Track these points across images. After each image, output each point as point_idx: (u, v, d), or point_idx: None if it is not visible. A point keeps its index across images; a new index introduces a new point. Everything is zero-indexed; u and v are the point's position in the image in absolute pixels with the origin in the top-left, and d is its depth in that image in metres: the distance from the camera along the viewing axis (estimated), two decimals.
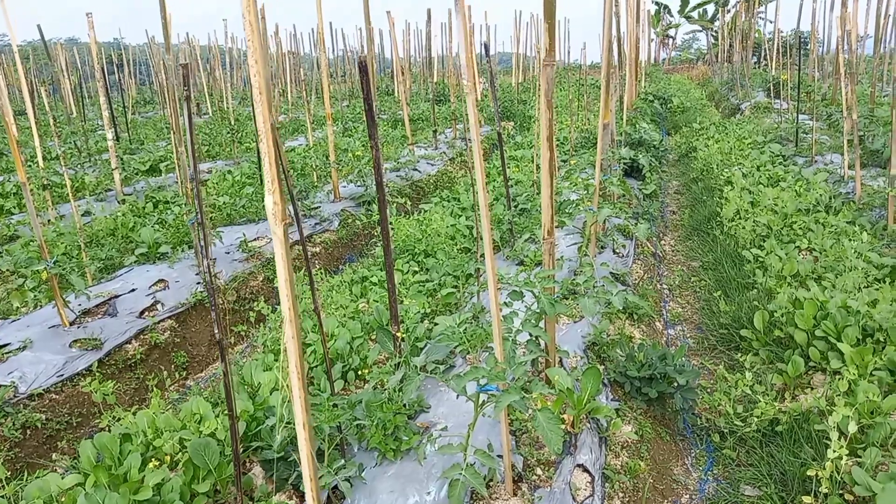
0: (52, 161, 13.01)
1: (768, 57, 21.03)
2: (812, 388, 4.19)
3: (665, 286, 6.77)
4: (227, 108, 13.76)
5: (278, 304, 5.28)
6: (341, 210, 8.54)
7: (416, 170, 11.17)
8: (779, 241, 6.32)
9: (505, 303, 3.51)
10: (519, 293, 3.37)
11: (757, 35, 31.45)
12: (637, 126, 10.11)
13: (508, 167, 10.35)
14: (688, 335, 5.72)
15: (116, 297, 5.51)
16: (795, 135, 10.96)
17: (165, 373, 5.02)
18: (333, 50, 29.09)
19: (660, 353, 3.90)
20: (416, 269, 6.02)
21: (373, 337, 4.70)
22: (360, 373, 4.22)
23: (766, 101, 16.47)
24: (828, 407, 3.55)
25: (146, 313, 5.39)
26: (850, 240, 6.06)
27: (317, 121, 17.65)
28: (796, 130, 10.97)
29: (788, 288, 5.24)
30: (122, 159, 10.36)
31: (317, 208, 8.27)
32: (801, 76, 11.82)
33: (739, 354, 5.04)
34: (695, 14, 47.18)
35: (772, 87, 16.77)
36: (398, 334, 3.43)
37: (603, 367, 4.07)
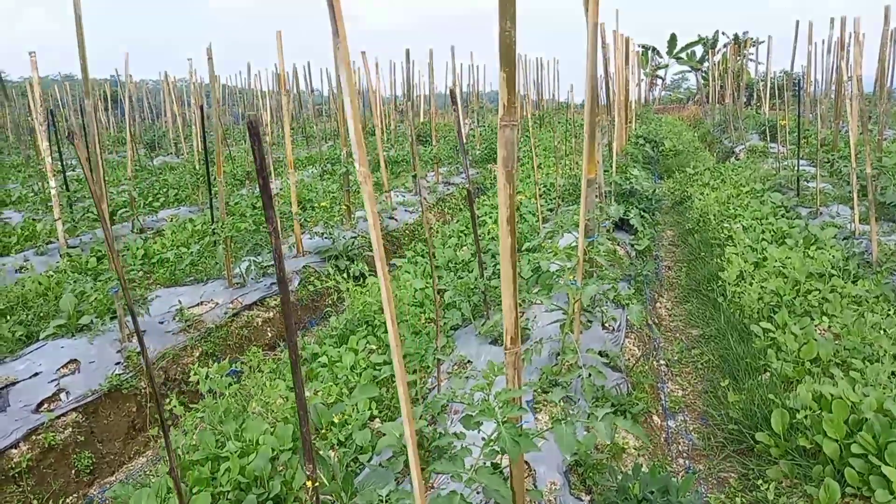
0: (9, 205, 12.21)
1: (761, 97, 20.61)
2: None
3: (662, 361, 5.94)
4: (193, 149, 13.03)
5: (202, 395, 4.40)
6: (303, 267, 7.73)
7: (393, 218, 10.42)
8: (791, 314, 5.52)
9: (456, 434, 2.67)
10: (475, 422, 2.53)
11: (746, 77, 31.31)
12: (627, 174, 9.40)
13: (490, 217, 9.60)
14: (690, 428, 4.87)
15: (13, 384, 4.63)
16: (797, 183, 10.28)
17: (59, 483, 4.13)
18: (321, 87, 28.67)
19: (660, 482, 3.05)
20: (375, 345, 5.17)
21: None
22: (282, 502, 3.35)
23: (761, 145, 15.89)
24: None
25: (46, 405, 4.51)
26: (873, 313, 5.28)
27: (300, 162, 16.97)
28: (797, 179, 10.29)
29: (809, 378, 4.42)
30: (71, 207, 9.55)
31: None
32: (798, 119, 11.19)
33: (754, 460, 4.21)
34: (683, 55, 47.40)
35: (767, 130, 16.21)
36: (309, 484, 2.56)
37: (589, 498, 3.21)
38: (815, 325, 5.26)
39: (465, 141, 17.64)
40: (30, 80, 8.35)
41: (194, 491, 3.34)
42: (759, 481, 3.76)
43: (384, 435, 3.59)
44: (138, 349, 5.22)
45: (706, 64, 42.88)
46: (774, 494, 3.52)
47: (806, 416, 3.92)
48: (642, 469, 3.25)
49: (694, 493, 3.29)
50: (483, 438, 2.59)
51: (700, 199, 10.49)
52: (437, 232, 9.77)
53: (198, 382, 4.20)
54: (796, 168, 10.43)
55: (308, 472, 2.65)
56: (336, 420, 3.86)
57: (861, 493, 3.38)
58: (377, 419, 4.16)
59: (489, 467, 2.42)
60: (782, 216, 8.73)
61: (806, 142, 14.17)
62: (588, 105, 4.60)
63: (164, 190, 13.11)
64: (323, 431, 3.75)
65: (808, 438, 3.84)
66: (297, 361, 2.53)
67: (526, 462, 3.36)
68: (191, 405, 4.26)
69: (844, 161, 11.14)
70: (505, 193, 2.48)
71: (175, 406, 3.92)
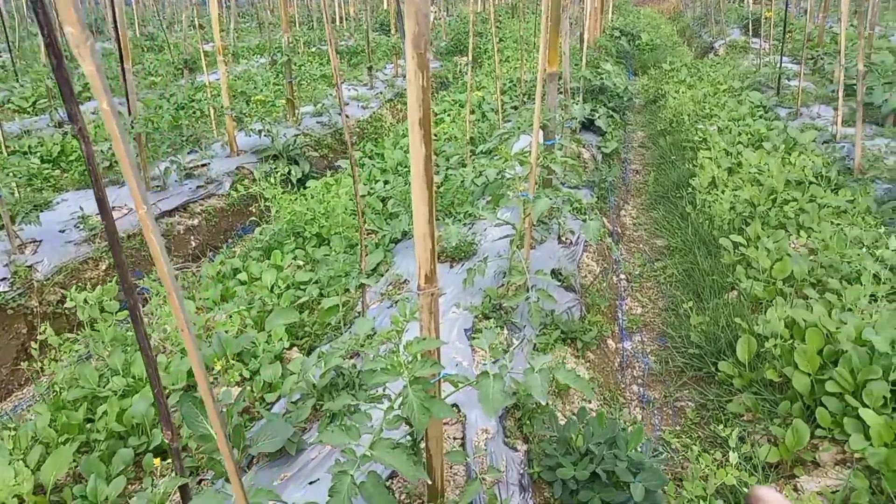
0: None
1: None
2: (820, 467, 2.99)
3: (622, 275, 5.49)
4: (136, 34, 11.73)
5: (112, 314, 3.79)
6: (237, 168, 6.98)
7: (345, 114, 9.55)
8: (765, 227, 5.05)
9: (353, 394, 2.15)
10: (376, 382, 2.00)
11: None
12: (599, 69, 8.61)
13: (447, 114, 8.84)
14: (648, 350, 4.48)
15: None
16: (777, 81, 9.62)
17: None
18: None
19: (608, 434, 2.61)
20: (303, 261, 4.59)
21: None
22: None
23: (742, 40, 15.02)
24: None
25: None
26: (853, 226, 4.83)
27: (249, 51, 15.61)
28: (778, 76, 9.61)
29: (781, 300, 3.99)
30: None
31: (203, 166, 6.68)
32: (781, 12, 10.38)
33: (714, 389, 3.83)
34: None
35: (750, 24, 15.28)
36: (157, 462, 2.03)
37: (526, 448, 2.77)
38: (791, 240, 4.81)
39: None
40: None
41: (61, 441, 2.82)
42: (720, 415, 3.39)
43: (293, 373, 3.08)
44: (28, 263, 4.57)
45: None
46: (731, 431, 3.14)
47: (775, 345, 3.50)
48: (588, 414, 2.81)
49: (646, 443, 2.88)
50: (390, 398, 2.08)
51: (675, 98, 9.80)
52: (390, 132, 9.00)
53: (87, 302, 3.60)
54: (778, 65, 9.74)
55: (168, 439, 2.12)
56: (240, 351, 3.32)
57: (833, 437, 3.01)
58: (295, 348, 3.64)
59: (390, 440, 1.90)
60: (760, 117, 8.13)
61: (790, 37, 13.36)
62: None
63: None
64: (225, 365, 3.22)
65: (776, 371, 3.44)
66: (136, 307, 1.93)
67: (455, 405, 2.89)
68: (79, 333, 3.68)
69: (829, 58, 10.46)
70: (416, 85, 1.83)
71: (50, 336, 3.34)
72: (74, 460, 2.74)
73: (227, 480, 2.53)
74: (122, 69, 6.31)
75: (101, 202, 1.73)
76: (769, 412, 3.37)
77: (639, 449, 2.56)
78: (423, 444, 2.27)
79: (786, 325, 3.64)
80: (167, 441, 2.10)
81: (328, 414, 2.28)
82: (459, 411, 2.88)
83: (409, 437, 2.25)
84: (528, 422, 2.83)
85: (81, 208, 5.18)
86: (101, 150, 6.27)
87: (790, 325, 3.65)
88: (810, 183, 5.64)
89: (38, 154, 7.37)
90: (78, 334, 3.60)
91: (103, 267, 4.94)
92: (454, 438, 2.75)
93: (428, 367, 1.99)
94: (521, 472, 2.59)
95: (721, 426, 3.40)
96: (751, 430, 3.36)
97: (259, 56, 14.11)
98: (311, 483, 2.47)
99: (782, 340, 3.54)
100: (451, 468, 2.52)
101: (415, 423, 1.87)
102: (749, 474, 2.83)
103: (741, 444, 3.16)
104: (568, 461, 2.54)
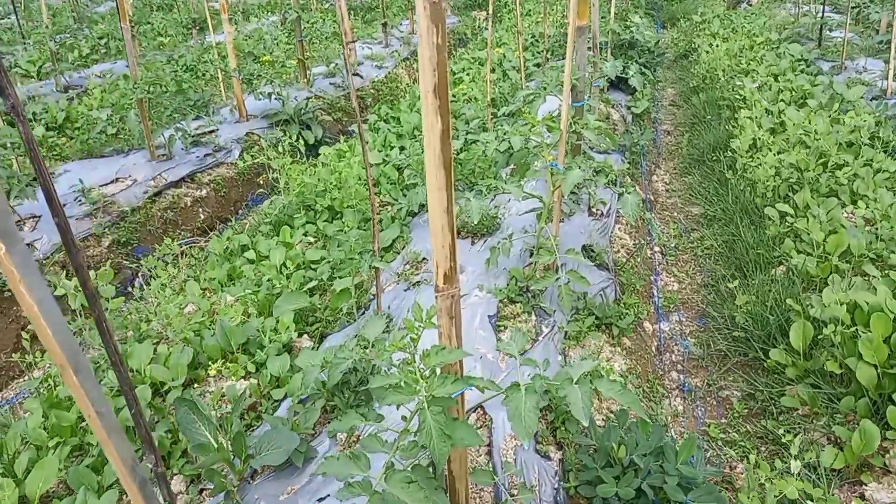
0: None
1: None
2: (891, 473, 2.66)
3: (656, 248, 5.12)
4: None
5: (127, 289, 3.52)
6: (246, 134, 6.64)
7: (358, 74, 9.14)
8: (815, 194, 4.62)
9: (362, 414, 1.85)
10: (390, 401, 1.69)
11: None
12: (627, 22, 8.07)
13: (466, 73, 8.38)
14: (687, 331, 4.14)
15: None
16: (819, 32, 8.97)
17: None
18: None
19: (654, 443, 2.30)
20: (314, 237, 4.28)
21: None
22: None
23: None
24: None
25: None
26: None
27: (260, 8, 15.10)
28: (820, 27, 8.96)
29: (837, 278, 3.61)
30: None
31: (211, 132, 6.35)
32: None
33: (763, 378, 3.49)
34: None
35: None
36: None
37: (560, 456, 2.48)
38: (844, 210, 4.39)
39: None
40: None
41: (51, 445, 2.58)
42: (770, 408, 3.06)
43: (301, 369, 2.80)
44: (27, 241, 4.31)
45: None
46: (793, 438, 2.81)
47: (835, 332, 3.14)
48: (629, 418, 2.50)
49: (699, 452, 2.57)
50: (404, 417, 1.77)
51: (708, 52, 9.21)
52: (406, 93, 8.58)
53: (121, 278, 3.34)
54: (820, 14, 9.07)
55: (150, 465, 1.85)
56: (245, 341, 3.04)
57: None
58: (305, 336, 3.36)
59: (405, 473, 1.61)
60: (802, 71, 7.57)
61: None
62: None
63: (104, 41, 11.57)
64: (220, 366, 2.95)
65: (836, 361, 3.09)
66: (101, 318, 1.63)
67: (479, 406, 2.60)
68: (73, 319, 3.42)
69: (875, 6, 9.74)
70: (429, 43, 1.48)
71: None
72: (66, 466, 2.51)
73: (228, 496, 2.28)
74: (122, 28, 5.96)
75: (48, 194, 1.42)
76: (829, 407, 3.04)
77: (689, 464, 2.25)
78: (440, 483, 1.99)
79: (846, 310, 3.27)
80: (150, 468, 1.83)
81: (334, 432, 1.99)
82: (485, 413, 2.59)
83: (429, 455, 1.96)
84: (561, 426, 2.53)
85: (81, 181, 4.90)
86: (103, 118, 5.96)
87: (851, 309, 3.28)
88: (863, 145, 5.18)
89: (43, 121, 7.10)
90: (72, 320, 3.35)
91: (106, 243, 4.68)
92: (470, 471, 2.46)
93: (449, 385, 1.68)
94: (556, 486, 2.30)
95: (774, 422, 3.09)
96: (808, 426, 3.03)
97: (271, 14, 13.60)
98: (319, 500, 2.21)
99: (843, 326, 3.18)
100: (476, 485, 2.24)
101: (434, 453, 1.57)
102: (812, 484, 2.52)
103: (795, 441, 2.83)
104: (609, 475, 2.24)
